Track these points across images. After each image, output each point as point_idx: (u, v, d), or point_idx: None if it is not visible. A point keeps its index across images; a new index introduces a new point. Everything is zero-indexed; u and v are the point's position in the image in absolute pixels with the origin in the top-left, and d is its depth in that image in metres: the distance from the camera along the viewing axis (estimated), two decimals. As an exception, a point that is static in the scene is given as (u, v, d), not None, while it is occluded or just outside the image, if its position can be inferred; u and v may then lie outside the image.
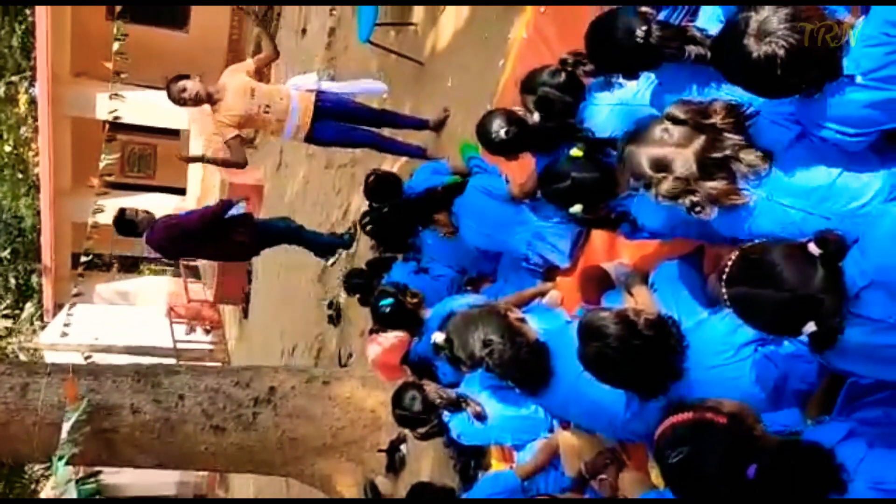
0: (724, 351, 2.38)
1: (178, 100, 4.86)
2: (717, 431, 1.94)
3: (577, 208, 2.82)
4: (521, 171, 3.98)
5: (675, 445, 1.95)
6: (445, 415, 3.60)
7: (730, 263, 1.83)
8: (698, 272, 2.79)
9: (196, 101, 4.86)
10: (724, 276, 1.83)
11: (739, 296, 1.83)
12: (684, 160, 2.00)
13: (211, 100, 4.90)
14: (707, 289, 2.77)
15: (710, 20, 2.28)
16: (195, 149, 13.94)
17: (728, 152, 1.97)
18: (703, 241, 2.66)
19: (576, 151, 2.77)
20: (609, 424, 2.82)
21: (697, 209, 2.02)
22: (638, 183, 2.10)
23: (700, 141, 1.99)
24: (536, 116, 2.98)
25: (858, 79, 1.73)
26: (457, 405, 3.47)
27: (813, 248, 1.76)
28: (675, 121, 2.04)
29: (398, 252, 5.04)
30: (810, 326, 1.73)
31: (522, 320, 3.05)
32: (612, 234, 3.30)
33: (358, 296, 5.17)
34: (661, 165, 2.04)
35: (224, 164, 5.72)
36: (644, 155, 2.07)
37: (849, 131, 1.82)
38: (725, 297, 1.84)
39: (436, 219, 4.25)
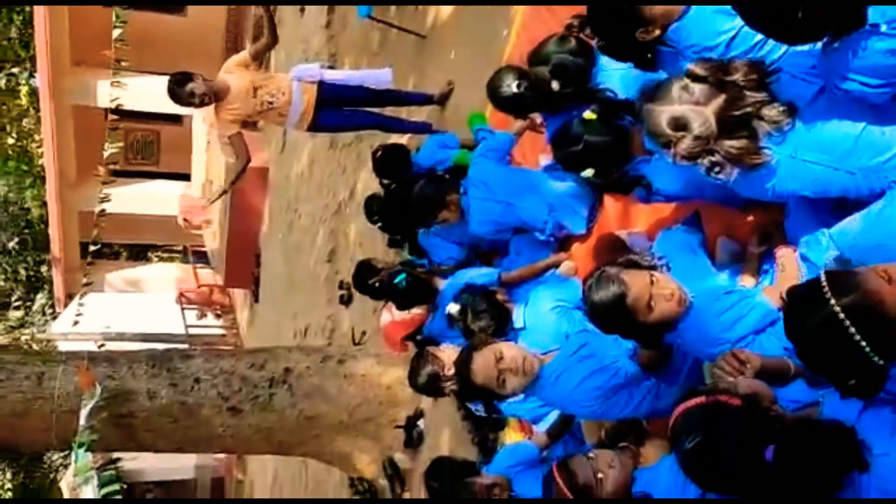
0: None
1: (186, 102, 4.82)
2: (731, 414, 1.88)
3: (588, 172, 2.77)
4: (528, 139, 3.95)
5: (690, 431, 1.90)
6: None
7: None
8: (700, 234, 2.76)
9: (203, 103, 4.82)
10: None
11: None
12: (704, 119, 1.96)
13: (216, 98, 4.88)
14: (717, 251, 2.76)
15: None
16: (199, 135, 13.93)
17: (749, 110, 1.93)
18: (719, 203, 2.63)
19: (589, 114, 2.71)
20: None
21: (717, 170, 1.98)
22: (655, 142, 2.05)
23: (721, 99, 1.95)
24: (555, 84, 2.93)
25: (883, 27, 1.69)
26: None
27: None
28: (696, 78, 1.99)
29: (405, 236, 5.00)
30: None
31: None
32: (626, 200, 3.27)
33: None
34: (680, 124, 1.99)
35: (237, 177, 5.66)
36: (662, 113, 2.02)
37: (872, 82, 1.77)
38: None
39: (448, 201, 4.15)
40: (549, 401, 3.15)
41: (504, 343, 3.00)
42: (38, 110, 14.89)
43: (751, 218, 2.63)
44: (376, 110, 5.39)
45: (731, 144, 1.95)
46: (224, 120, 4.95)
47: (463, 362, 2.98)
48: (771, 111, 1.92)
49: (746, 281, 2.50)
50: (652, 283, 2.39)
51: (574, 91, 2.91)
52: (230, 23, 14.45)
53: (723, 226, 2.69)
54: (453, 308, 3.46)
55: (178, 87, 4.80)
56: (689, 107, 1.99)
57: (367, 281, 4.60)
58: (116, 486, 8.34)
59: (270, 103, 4.95)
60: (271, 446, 5.33)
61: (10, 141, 18.87)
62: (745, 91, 1.93)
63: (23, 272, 19.46)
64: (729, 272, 2.57)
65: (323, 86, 5.09)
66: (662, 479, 2.45)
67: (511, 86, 3.20)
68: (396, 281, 4.04)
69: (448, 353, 3.48)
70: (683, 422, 1.93)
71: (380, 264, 4.62)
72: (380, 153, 4.73)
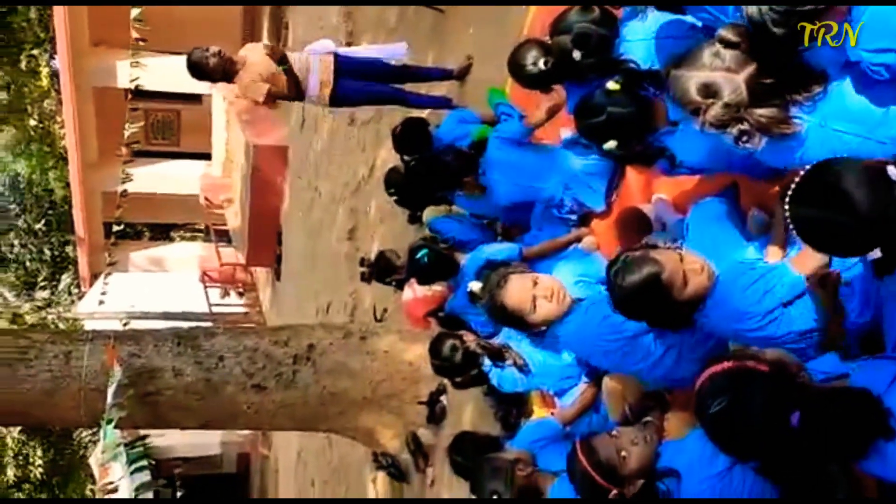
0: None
1: (205, 64, 4.81)
2: (758, 379, 1.87)
3: (611, 144, 2.74)
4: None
5: (716, 395, 1.89)
6: (485, 364, 3.60)
7: (798, 181, 1.72)
8: (735, 208, 2.73)
9: (223, 65, 4.83)
10: (790, 195, 1.72)
11: (806, 217, 1.72)
12: (735, 86, 1.91)
13: (234, 69, 4.89)
14: (747, 223, 2.72)
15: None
16: (219, 114, 13.95)
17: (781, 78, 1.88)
18: (745, 175, 2.60)
19: (612, 85, 2.67)
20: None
21: (745, 138, 1.94)
22: (683, 109, 2.01)
23: (752, 66, 1.90)
24: (577, 54, 2.89)
25: None
26: (499, 355, 3.47)
27: (893, 172, 1.65)
28: (728, 44, 1.94)
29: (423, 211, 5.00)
30: (876, 252, 1.65)
31: None
32: (648, 174, 3.24)
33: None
34: (711, 91, 1.94)
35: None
36: (692, 79, 1.97)
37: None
38: (788, 217, 1.74)
39: (464, 182, 4.16)
40: (569, 340, 3.14)
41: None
42: (58, 92, 14.99)
43: (777, 189, 2.60)
44: (396, 85, 5.37)
45: (762, 113, 1.91)
46: (247, 82, 4.95)
47: (498, 283, 3.01)
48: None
49: (774, 252, 2.47)
50: (681, 259, 2.37)
51: (596, 61, 2.86)
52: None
53: (755, 197, 2.66)
54: (475, 285, 3.46)
55: (197, 53, 4.81)
56: (720, 73, 1.94)
57: (386, 276, 4.67)
58: (145, 463, 8.50)
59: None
60: (295, 422, 5.38)
61: (32, 123, 19.04)
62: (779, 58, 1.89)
63: (48, 253, 19.73)
64: (758, 243, 2.54)
65: (339, 57, 5.10)
66: (688, 452, 2.45)
67: (537, 63, 3.15)
68: (418, 256, 4.04)
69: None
70: (710, 386, 1.92)
71: (398, 260, 4.65)
72: (400, 128, 4.71)
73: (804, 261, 2.27)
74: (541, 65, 3.16)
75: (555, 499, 2.92)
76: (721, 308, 2.35)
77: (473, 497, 3.21)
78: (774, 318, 2.25)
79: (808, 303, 2.22)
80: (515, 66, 3.28)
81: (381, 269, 4.77)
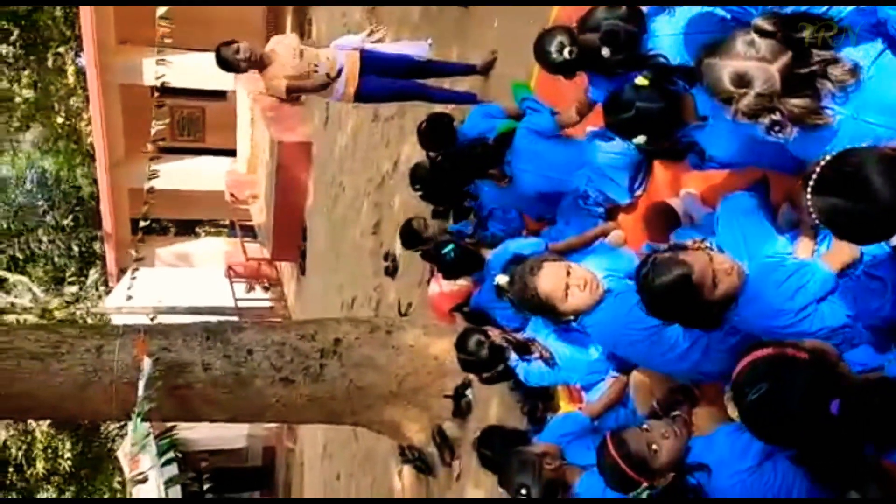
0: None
1: (233, 61, 4.89)
2: (798, 365, 1.85)
3: (640, 139, 2.73)
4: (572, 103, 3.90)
5: (755, 382, 1.87)
6: (511, 359, 3.61)
7: (819, 170, 1.72)
8: (765, 201, 2.71)
9: (250, 60, 4.89)
10: (811, 185, 1.72)
11: (826, 206, 1.72)
12: (769, 76, 1.89)
13: (262, 63, 4.94)
14: (778, 218, 2.71)
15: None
16: (243, 111, 14.04)
17: (815, 68, 1.87)
18: (774, 170, 2.58)
19: (641, 80, 2.65)
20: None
21: (777, 129, 1.92)
22: (716, 98, 1.99)
23: (787, 56, 1.88)
24: (606, 52, 2.88)
25: None
26: (525, 349, 3.47)
27: None
28: (763, 33, 1.92)
29: (450, 206, 5.02)
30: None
31: None
32: (676, 168, 3.22)
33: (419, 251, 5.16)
34: (744, 81, 1.92)
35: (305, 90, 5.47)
36: (725, 68, 1.96)
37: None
38: (811, 206, 1.73)
39: (489, 174, 4.18)
40: (596, 330, 3.14)
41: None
42: (85, 89, 15.16)
43: (803, 181, 2.58)
44: (420, 80, 5.39)
45: (795, 103, 1.89)
46: (273, 81, 5.01)
47: (531, 269, 3.01)
48: (836, 70, 1.86)
49: (804, 246, 2.45)
50: (710, 259, 2.37)
51: (625, 58, 2.86)
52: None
53: (784, 191, 2.64)
54: (502, 279, 3.46)
55: (226, 49, 4.87)
56: (754, 63, 1.92)
57: (414, 244, 4.76)
58: (173, 455, 8.59)
59: (316, 66, 5.01)
60: (322, 416, 5.42)
61: (60, 120, 19.28)
62: (813, 48, 1.87)
63: (76, 249, 19.98)
64: (788, 237, 2.52)
65: (365, 53, 5.15)
66: (718, 448, 2.45)
67: (563, 50, 3.12)
68: (444, 252, 4.06)
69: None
70: (749, 374, 1.90)
71: (426, 232, 4.69)
72: (425, 124, 4.73)
73: (836, 256, 2.26)
74: (566, 53, 3.14)
75: (584, 499, 2.91)
76: (753, 305, 2.34)
77: (500, 491, 3.21)
78: (808, 314, 2.24)
79: (841, 299, 2.21)
80: (541, 52, 3.26)
81: (407, 238, 4.86)
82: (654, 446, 2.50)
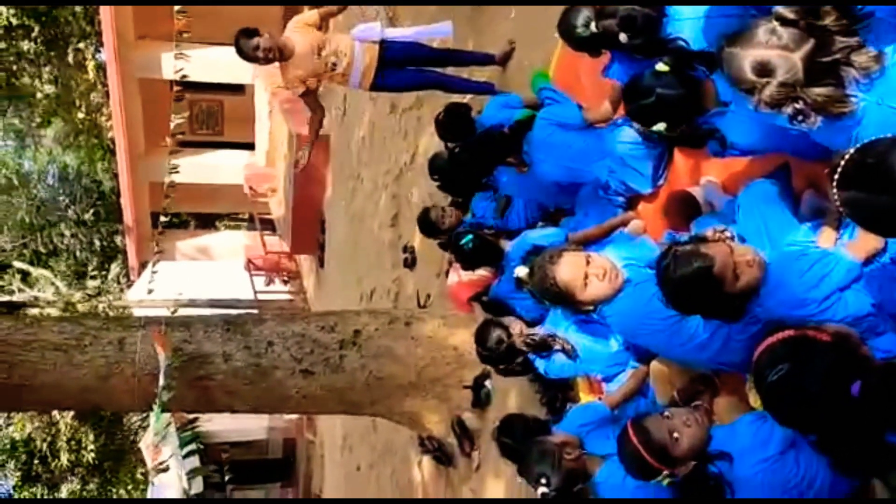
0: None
1: (251, 56, 4.92)
2: (820, 347, 1.84)
3: (660, 126, 2.70)
4: (594, 98, 3.88)
5: (776, 363, 1.86)
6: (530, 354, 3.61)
7: (843, 163, 1.70)
8: (787, 189, 2.68)
9: (268, 57, 4.92)
10: (837, 178, 1.71)
11: (853, 199, 1.70)
12: (791, 65, 1.86)
13: (281, 56, 4.96)
14: (801, 206, 2.68)
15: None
16: (262, 105, 14.09)
17: (839, 56, 1.84)
18: (797, 156, 2.55)
19: (661, 66, 2.62)
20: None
21: (800, 118, 1.90)
22: (737, 88, 1.97)
23: (810, 44, 1.85)
24: (623, 37, 2.85)
25: None
26: (546, 347, 3.46)
27: None
28: (785, 21, 1.89)
29: (467, 198, 5.02)
30: None
31: None
32: (697, 156, 3.20)
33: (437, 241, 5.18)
34: (766, 70, 1.90)
35: (314, 132, 5.72)
36: (747, 58, 1.93)
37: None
38: (837, 199, 1.72)
39: (508, 161, 4.17)
40: (616, 319, 3.12)
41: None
42: (105, 84, 15.27)
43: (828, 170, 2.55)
44: (438, 70, 5.38)
45: (818, 92, 1.86)
46: (290, 79, 5.07)
47: (550, 258, 3.00)
48: (860, 57, 1.83)
49: (827, 234, 2.43)
50: (731, 251, 2.35)
51: (644, 42, 2.83)
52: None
53: (806, 178, 2.61)
54: (521, 271, 3.45)
55: (245, 40, 4.89)
56: (776, 51, 1.89)
57: (432, 233, 4.88)
58: (195, 447, 8.68)
59: (334, 64, 5.04)
60: (342, 406, 5.44)
61: (80, 115, 19.44)
62: (836, 36, 1.84)
63: (97, 243, 20.19)
64: (810, 226, 2.50)
65: (384, 44, 5.13)
66: (739, 437, 2.43)
67: (588, 25, 3.08)
68: (463, 242, 4.06)
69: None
70: (770, 355, 1.89)
71: (444, 223, 4.71)
72: (443, 114, 4.72)
73: (860, 245, 2.23)
74: (592, 28, 3.09)
75: (605, 499, 2.90)
76: (777, 295, 2.32)
77: (519, 481, 3.21)
78: (832, 303, 2.22)
79: (865, 287, 2.19)
80: (566, 28, 3.22)
81: (425, 227, 4.92)
82: (675, 434, 2.48)
